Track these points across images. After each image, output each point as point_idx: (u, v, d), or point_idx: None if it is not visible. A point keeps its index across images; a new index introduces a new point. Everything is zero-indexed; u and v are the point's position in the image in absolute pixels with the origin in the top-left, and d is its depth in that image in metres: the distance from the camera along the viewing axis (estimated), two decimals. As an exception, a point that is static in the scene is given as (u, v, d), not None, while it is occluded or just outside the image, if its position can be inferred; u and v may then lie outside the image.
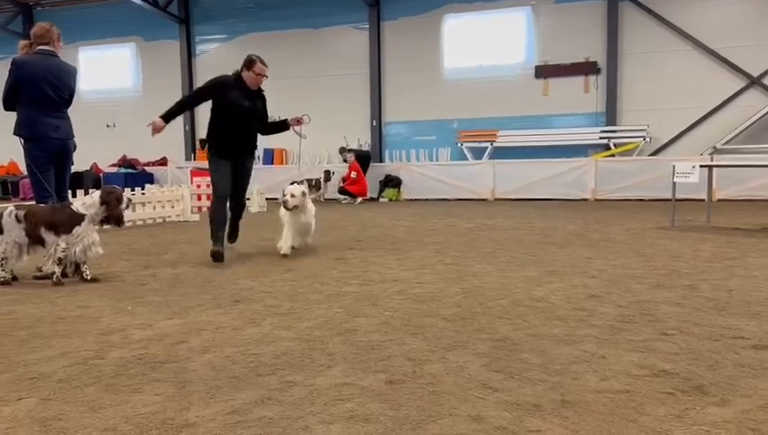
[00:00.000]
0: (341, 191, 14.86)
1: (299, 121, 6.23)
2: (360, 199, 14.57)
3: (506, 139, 15.72)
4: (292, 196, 6.06)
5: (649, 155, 14.85)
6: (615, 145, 15.00)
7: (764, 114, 13.88)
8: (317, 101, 17.79)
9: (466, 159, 15.96)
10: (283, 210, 6.28)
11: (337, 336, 3.20)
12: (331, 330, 3.33)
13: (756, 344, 2.97)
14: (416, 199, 15.32)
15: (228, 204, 6.09)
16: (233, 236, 6.58)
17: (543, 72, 15.90)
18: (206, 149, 6.07)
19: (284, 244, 6.15)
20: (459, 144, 16.22)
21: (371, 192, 15.48)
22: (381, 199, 15.22)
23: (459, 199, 14.87)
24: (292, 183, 6.30)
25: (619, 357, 2.82)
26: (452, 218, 10.18)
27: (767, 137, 13.81)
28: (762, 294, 4.08)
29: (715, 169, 8.97)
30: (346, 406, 2.29)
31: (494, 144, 15.76)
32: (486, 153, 15.73)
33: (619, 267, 5.20)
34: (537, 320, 3.50)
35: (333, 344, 3.07)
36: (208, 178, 13.81)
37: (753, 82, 14.26)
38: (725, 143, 14.02)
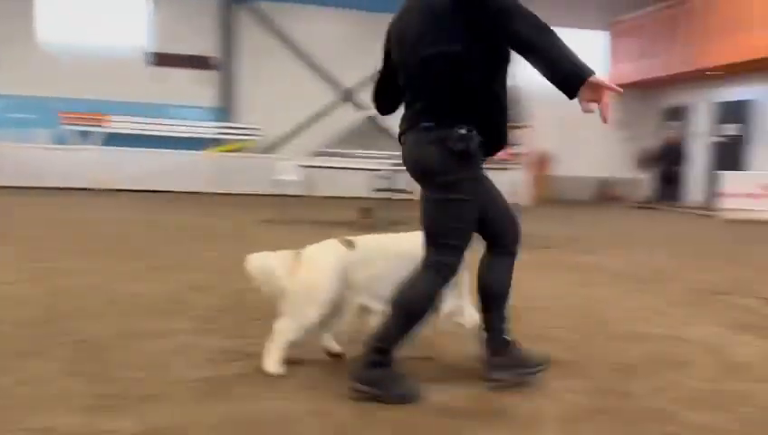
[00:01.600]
0: None
1: None
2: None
3: (121, 125, 14.84)
4: None
5: (260, 153, 15.87)
6: (229, 141, 15.61)
7: (354, 124, 16.33)
8: None
9: (73, 143, 14.47)
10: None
11: None
12: None
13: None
14: (6, 187, 13.16)
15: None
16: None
17: (159, 59, 15.48)
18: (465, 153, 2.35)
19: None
20: (63, 126, 14.60)
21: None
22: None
23: (64, 188, 13.32)
24: None
25: (209, 345, 2.97)
26: (51, 208, 9.11)
27: (355, 144, 16.23)
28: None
29: (312, 169, 10.12)
30: None
31: (108, 130, 14.69)
32: (95, 138, 14.55)
33: (224, 259, 5.43)
34: (133, 317, 3.44)
35: None
36: None
37: (346, 95, 16.57)
38: (323, 147, 15.96)
